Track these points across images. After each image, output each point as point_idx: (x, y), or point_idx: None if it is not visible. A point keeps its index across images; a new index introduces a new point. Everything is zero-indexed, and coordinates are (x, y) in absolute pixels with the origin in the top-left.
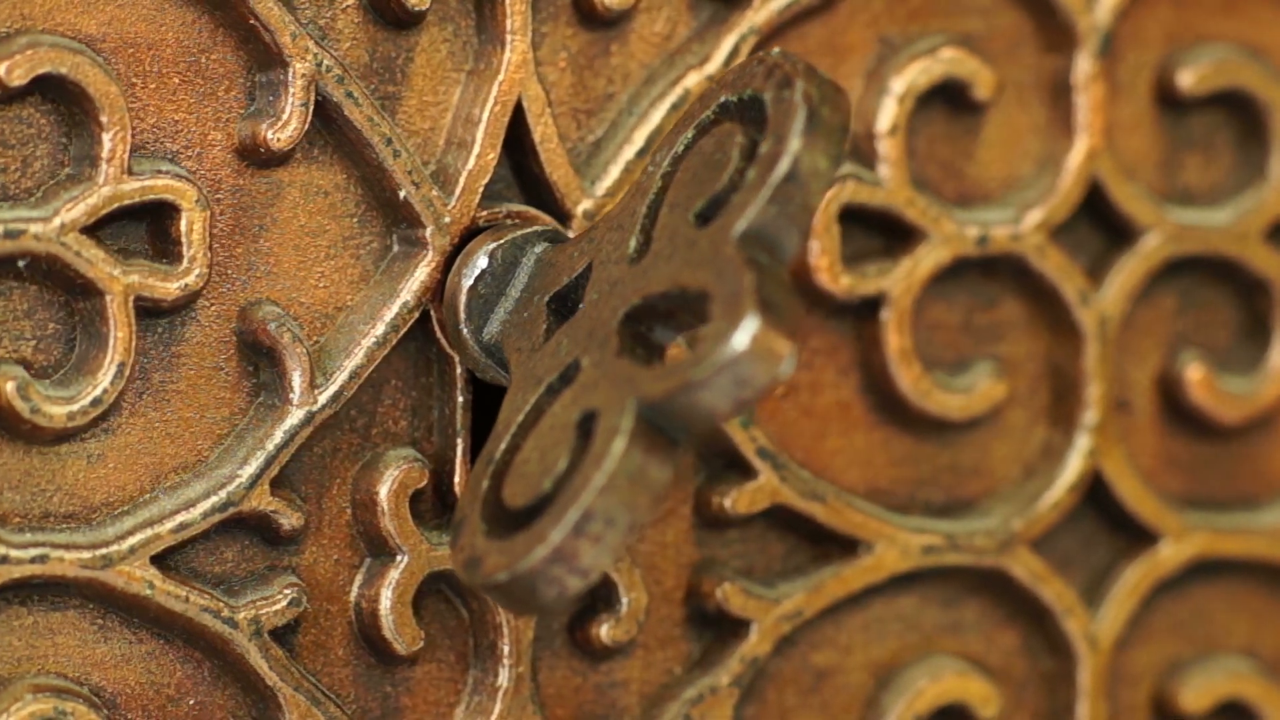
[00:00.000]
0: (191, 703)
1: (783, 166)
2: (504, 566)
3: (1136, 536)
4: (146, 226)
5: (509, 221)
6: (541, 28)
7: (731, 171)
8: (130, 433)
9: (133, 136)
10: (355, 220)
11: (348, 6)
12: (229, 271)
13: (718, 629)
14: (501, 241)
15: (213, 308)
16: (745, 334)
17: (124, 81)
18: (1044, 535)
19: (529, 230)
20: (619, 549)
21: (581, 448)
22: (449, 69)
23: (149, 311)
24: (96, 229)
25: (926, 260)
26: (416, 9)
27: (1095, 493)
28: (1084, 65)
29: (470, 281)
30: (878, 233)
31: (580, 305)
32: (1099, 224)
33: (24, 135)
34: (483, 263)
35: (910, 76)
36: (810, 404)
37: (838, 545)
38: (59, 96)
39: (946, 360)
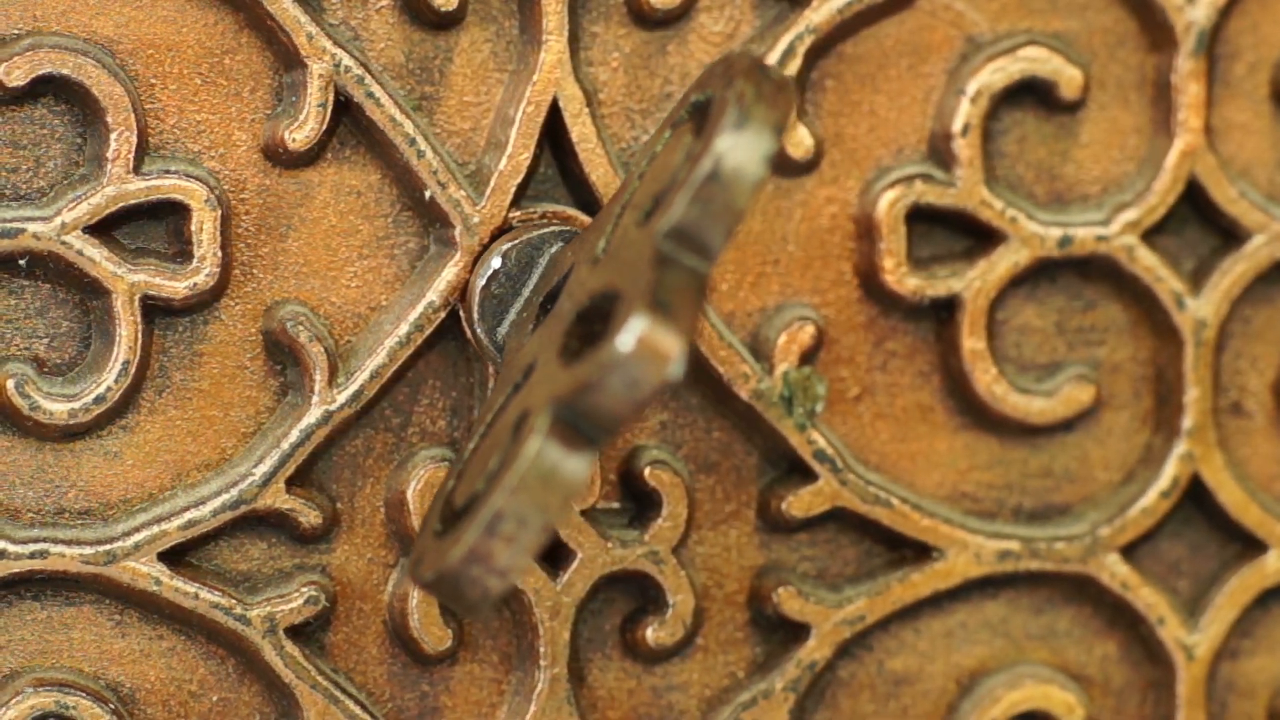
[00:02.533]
0: (215, 699)
1: (705, 166)
2: (433, 566)
3: (1245, 545)
4: (165, 227)
5: (542, 221)
6: (592, 28)
7: (675, 171)
8: (149, 430)
9: (153, 137)
10: (389, 220)
11: (382, 8)
12: (254, 271)
13: (782, 633)
14: (516, 242)
15: (237, 307)
16: (630, 335)
17: (143, 83)
18: (1139, 541)
19: (545, 231)
20: (535, 549)
21: (512, 448)
22: (491, 69)
23: (166, 310)
24: (110, 229)
25: (1003, 262)
26: (445, 9)
27: (1201, 499)
28: (1182, 64)
29: (483, 282)
30: (963, 235)
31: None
32: (1210, 226)
33: (36, 136)
34: (496, 263)
35: (985, 76)
36: (888, 407)
37: (912, 550)
38: (72, 98)
39: (1039, 363)
